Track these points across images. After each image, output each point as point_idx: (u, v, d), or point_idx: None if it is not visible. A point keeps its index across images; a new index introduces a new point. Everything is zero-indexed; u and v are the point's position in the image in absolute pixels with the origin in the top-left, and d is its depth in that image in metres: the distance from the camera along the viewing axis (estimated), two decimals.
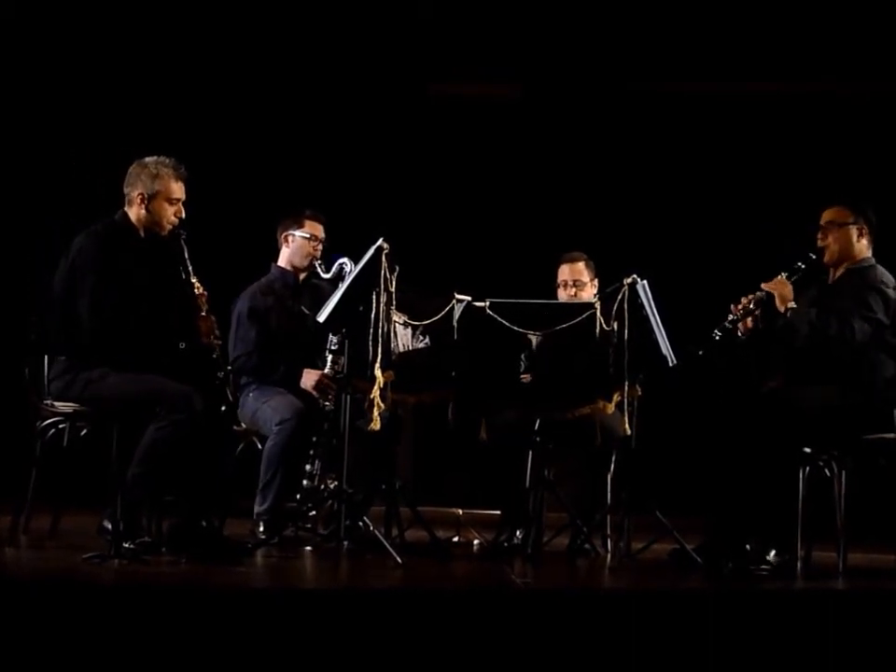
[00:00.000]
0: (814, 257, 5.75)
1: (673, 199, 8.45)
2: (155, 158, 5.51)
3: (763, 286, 5.66)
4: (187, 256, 5.43)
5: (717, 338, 5.64)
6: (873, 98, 8.33)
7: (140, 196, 5.47)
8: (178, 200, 5.49)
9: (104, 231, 5.46)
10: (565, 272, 6.39)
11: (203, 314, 5.41)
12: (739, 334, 5.71)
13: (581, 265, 6.38)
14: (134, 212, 5.50)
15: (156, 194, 5.46)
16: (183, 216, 5.49)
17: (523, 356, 5.78)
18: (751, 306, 5.67)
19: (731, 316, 5.67)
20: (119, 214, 5.52)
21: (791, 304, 5.60)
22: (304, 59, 8.42)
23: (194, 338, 5.40)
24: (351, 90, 8.51)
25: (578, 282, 6.35)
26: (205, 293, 5.44)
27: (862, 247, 5.77)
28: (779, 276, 5.68)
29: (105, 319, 5.31)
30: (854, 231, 5.74)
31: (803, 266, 5.72)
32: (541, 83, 8.67)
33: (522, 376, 5.83)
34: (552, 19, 8.30)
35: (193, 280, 5.43)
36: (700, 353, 5.65)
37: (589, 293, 6.33)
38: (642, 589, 5.14)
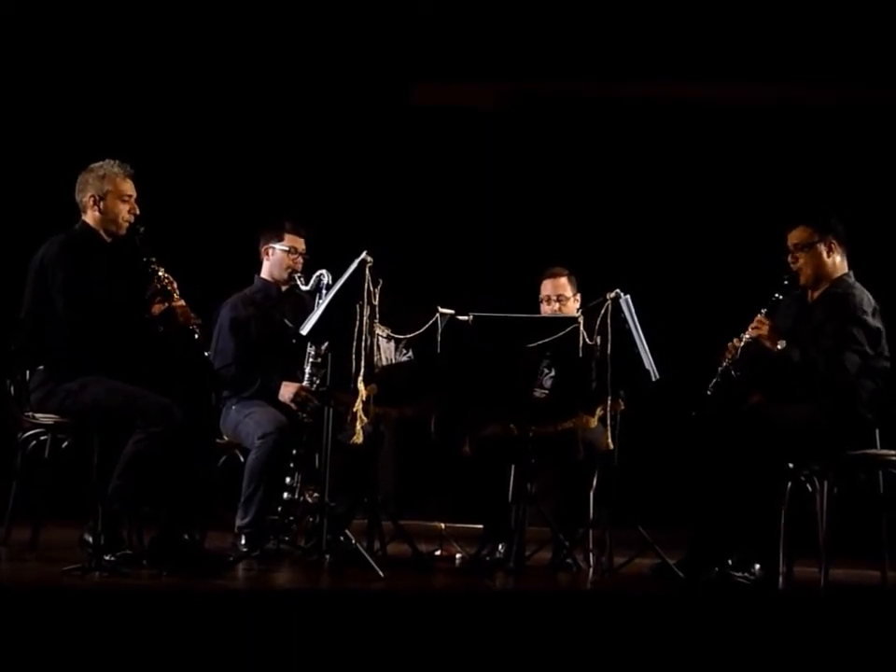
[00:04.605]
0: (787, 283, 5.73)
1: (657, 212, 8.46)
2: (100, 162, 5.54)
3: (747, 332, 5.66)
4: (148, 249, 5.45)
5: (710, 394, 5.64)
6: (855, 107, 8.35)
7: (92, 198, 5.50)
8: (130, 197, 5.52)
9: (67, 239, 5.50)
10: (547, 287, 6.40)
11: (176, 298, 5.42)
12: (733, 374, 5.70)
13: (563, 280, 6.39)
14: (90, 216, 5.52)
15: (107, 194, 5.49)
16: (138, 212, 5.52)
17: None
18: (738, 355, 5.66)
19: (720, 368, 5.67)
20: (79, 224, 5.55)
21: (782, 343, 5.60)
22: (287, 73, 8.44)
23: (172, 323, 5.40)
24: (334, 101, 8.53)
25: (561, 297, 6.36)
26: (174, 282, 5.46)
27: (836, 263, 5.73)
28: (759, 315, 5.65)
29: (80, 309, 5.32)
30: (823, 249, 5.71)
31: (780, 297, 5.71)
32: (523, 93, 8.68)
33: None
34: (530, 20, 8.31)
35: (160, 270, 5.44)
36: (694, 414, 5.67)
37: (572, 308, 6.34)
38: (623, 601, 5.13)
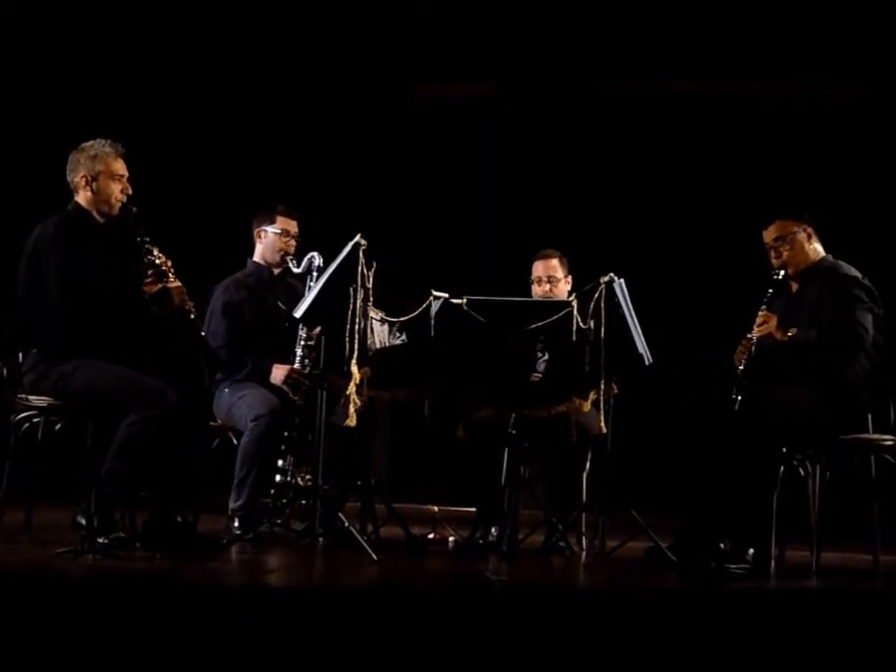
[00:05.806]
0: (779, 277, 5.77)
1: (650, 198, 8.47)
2: (91, 141, 5.50)
3: (755, 333, 5.65)
4: (142, 229, 5.42)
5: (738, 399, 5.60)
6: (845, 100, 8.36)
7: (84, 178, 5.46)
8: (122, 176, 5.49)
9: (61, 220, 5.46)
10: (539, 268, 6.43)
11: (171, 280, 5.41)
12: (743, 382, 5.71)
13: (554, 262, 6.41)
14: (83, 196, 5.49)
15: (99, 174, 5.46)
16: (130, 192, 5.48)
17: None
18: (753, 351, 5.66)
19: (739, 369, 5.65)
20: (71, 204, 5.51)
21: (792, 331, 5.61)
22: (287, 60, 8.43)
23: (167, 304, 5.39)
24: (333, 90, 8.53)
25: (552, 278, 6.38)
26: (168, 261, 5.43)
27: (816, 248, 5.81)
28: (760, 312, 5.68)
29: (75, 296, 5.29)
30: (804, 237, 5.79)
31: (774, 292, 5.75)
32: (518, 82, 8.69)
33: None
34: (525, 20, 8.31)
35: (154, 251, 5.42)
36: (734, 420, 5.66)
37: (563, 289, 6.36)
38: (617, 587, 5.14)
